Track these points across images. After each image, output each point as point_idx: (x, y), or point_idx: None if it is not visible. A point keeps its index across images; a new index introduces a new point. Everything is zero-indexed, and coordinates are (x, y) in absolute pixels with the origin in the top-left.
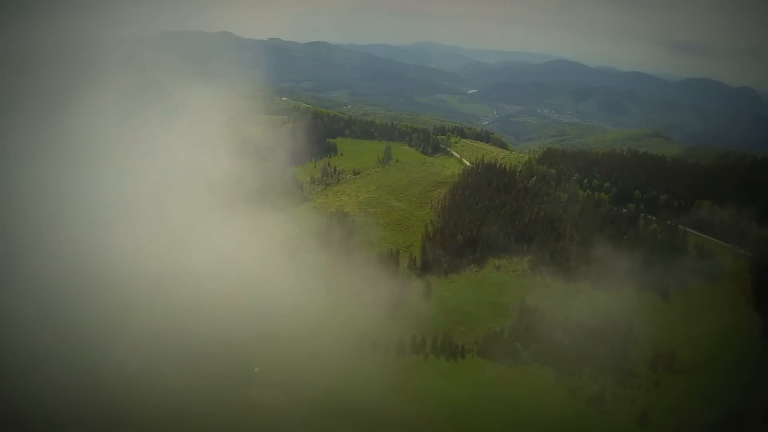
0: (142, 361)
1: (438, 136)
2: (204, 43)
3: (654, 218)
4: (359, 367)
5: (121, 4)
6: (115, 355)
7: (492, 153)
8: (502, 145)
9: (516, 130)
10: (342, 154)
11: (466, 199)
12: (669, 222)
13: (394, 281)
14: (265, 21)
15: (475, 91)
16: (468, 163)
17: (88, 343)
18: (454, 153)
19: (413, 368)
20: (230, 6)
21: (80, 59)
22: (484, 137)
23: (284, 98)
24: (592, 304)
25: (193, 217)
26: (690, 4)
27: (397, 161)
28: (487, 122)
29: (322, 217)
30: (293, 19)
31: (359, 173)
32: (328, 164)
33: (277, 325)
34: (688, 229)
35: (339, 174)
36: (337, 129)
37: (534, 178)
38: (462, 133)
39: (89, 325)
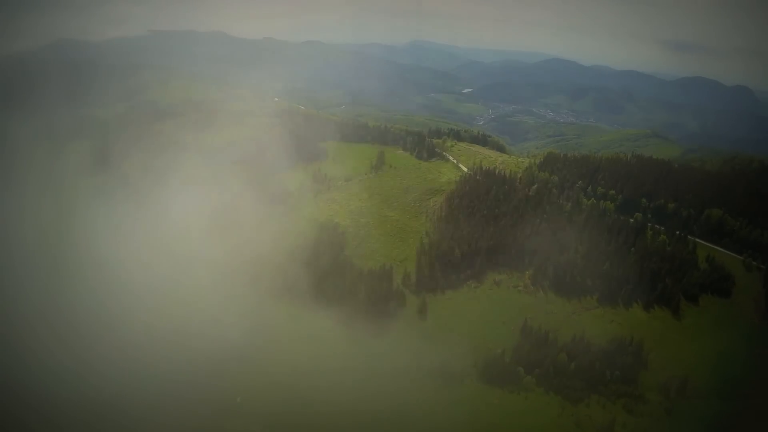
0: (118, 387)
1: (433, 140)
2: (197, 43)
3: (662, 228)
4: (349, 393)
5: (114, 3)
6: (89, 379)
7: (490, 157)
8: (500, 149)
9: (512, 130)
10: (333, 159)
11: (463, 208)
12: (678, 232)
13: (387, 299)
14: (258, 20)
15: (470, 90)
16: (465, 169)
17: (61, 365)
18: (451, 158)
19: (407, 394)
20: (224, 5)
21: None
22: (481, 140)
23: (276, 99)
24: (599, 323)
25: (177, 229)
26: (685, 2)
27: (390, 167)
28: (482, 122)
29: (310, 228)
30: (287, 19)
31: (351, 180)
32: (319, 170)
33: (261, 349)
34: (698, 240)
35: (330, 180)
36: (329, 132)
37: (535, 186)
38: (458, 136)
39: (62, 346)
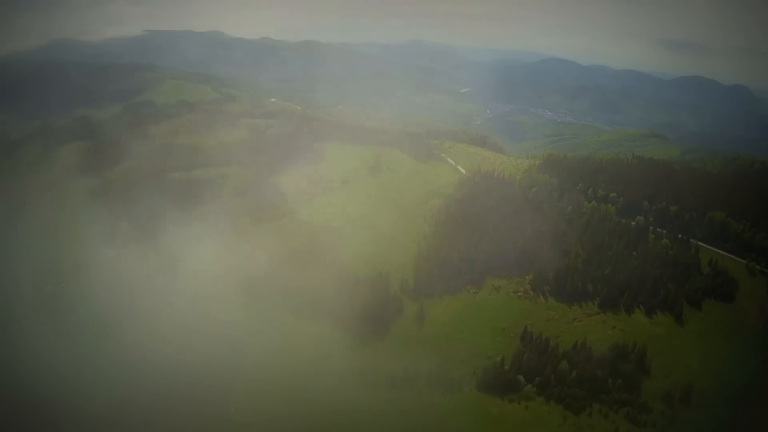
0: (110, 396)
1: (431, 141)
2: (194, 43)
3: (664, 232)
4: (345, 403)
5: (110, 3)
6: (80, 387)
7: (489, 159)
8: (499, 150)
9: (510, 130)
10: (330, 161)
11: (462, 212)
12: (680, 236)
13: (384, 305)
14: (256, 20)
15: (468, 89)
16: (464, 171)
17: (50, 371)
18: (449, 159)
19: (405, 404)
20: (221, 5)
21: None
22: (480, 141)
23: (273, 99)
24: (601, 329)
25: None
26: (682, 2)
27: (388, 169)
28: (480, 122)
29: (306, 231)
30: (285, 18)
31: (348, 182)
32: (315, 172)
33: (256, 357)
34: (701, 244)
35: (326, 183)
36: (325, 133)
37: (535, 189)
38: (456, 137)
39: (53, 353)
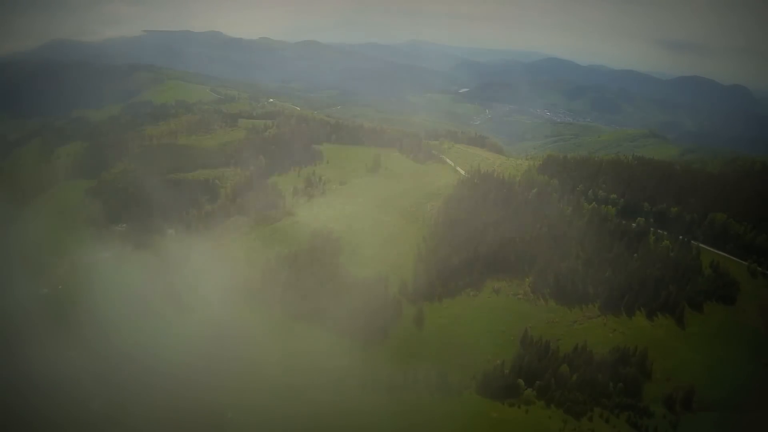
0: (106, 400)
1: (430, 142)
2: (192, 43)
3: (665, 233)
4: (344, 407)
5: (109, 3)
6: (77, 390)
7: (488, 160)
8: (499, 150)
9: (509, 130)
10: (328, 162)
11: (461, 213)
12: (681, 237)
13: (383, 307)
14: (255, 20)
15: (467, 89)
16: (463, 172)
17: (49, 372)
18: (448, 160)
19: (405, 408)
20: (220, 5)
21: None
22: (479, 141)
23: (271, 100)
24: (601, 332)
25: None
26: (681, 2)
27: (386, 170)
28: (479, 122)
29: (304, 233)
30: (284, 18)
31: (346, 183)
32: (313, 173)
33: (253, 362)
34: (702, 245)
35: (324, 184)
36: (324, 134)
37: (535, 190)
38: (455, 138)
39: (51, 354)
